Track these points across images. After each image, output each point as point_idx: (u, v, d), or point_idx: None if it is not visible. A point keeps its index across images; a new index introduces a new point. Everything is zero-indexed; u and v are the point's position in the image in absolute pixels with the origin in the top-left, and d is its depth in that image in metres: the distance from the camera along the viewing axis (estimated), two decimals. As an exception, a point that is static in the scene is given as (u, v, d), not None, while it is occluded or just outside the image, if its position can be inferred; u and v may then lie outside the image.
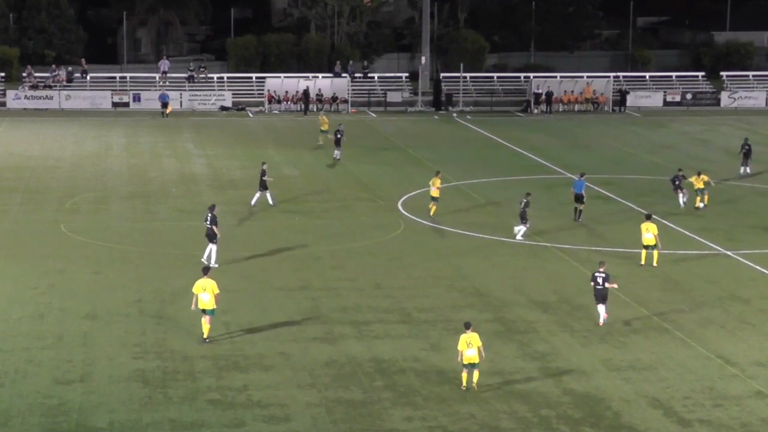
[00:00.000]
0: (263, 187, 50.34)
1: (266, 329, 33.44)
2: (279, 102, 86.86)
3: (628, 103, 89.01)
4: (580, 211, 48.07)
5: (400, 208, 50.73)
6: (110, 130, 74.73)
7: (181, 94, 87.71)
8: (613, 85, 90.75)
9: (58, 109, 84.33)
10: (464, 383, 28.79)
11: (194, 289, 32.21)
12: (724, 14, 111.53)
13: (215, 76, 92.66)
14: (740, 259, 42.58)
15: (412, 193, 53.65)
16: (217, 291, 32.01)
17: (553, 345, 32.45)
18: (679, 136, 76.76)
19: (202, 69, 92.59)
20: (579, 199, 47.90)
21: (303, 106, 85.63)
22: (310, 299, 36.54)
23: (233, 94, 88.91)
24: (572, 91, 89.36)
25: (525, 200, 45.05)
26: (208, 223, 40.38)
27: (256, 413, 27.22)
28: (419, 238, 45.56)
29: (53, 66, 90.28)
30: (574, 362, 31.00)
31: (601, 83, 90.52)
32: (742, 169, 60.19)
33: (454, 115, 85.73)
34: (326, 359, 30.89)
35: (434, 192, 48.67)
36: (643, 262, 41.38)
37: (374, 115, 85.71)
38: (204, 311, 32.02)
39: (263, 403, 27.79)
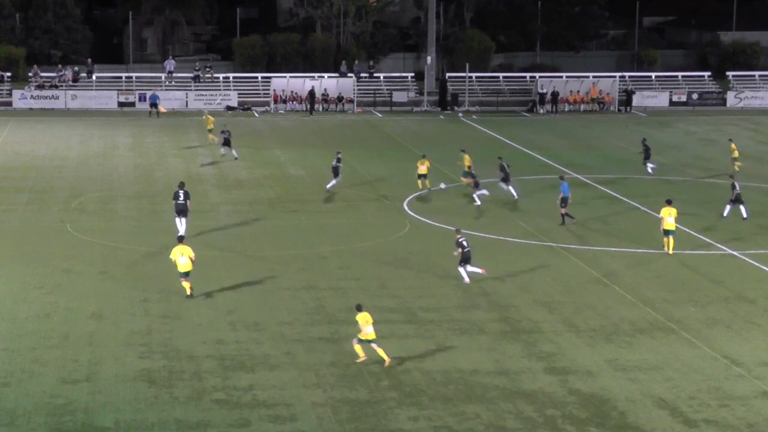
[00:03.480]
0: (336, 173, 53.55)
1: (272, 329, 33.46)
2: (285, 102, 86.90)
3: (634, 103, 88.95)
4: (564, 214, 47.45)
5: (406, 207, 50.73)
6: (116, 129, 74.80)
7: (187, 94, 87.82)
8: (619, 85, 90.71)
9: (64, 109, 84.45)
10: (362, 357, 30.32)
11: (172, 256, 36.24)
12: (731, 14, 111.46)
13: (221, 76, 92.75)
14: (746, 259, 42.53)
15: (417, 193, 53.63)
16: (193, 255, 35.99)
17: (558, 345, 32.43)
18: (684, 136, 76.69)
19: (208, 69, 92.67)
20: (565, 202, 47.51)
21: (308, 106, 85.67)
22: (316, 299, 36.55)
23: (239, 93, 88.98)
24: (578, 91, 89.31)
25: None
26: (181, 199, 43.34)
27: (262, 413, 27.22)
28: (425, 237, 45.55)
29: (59, 66, 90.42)
30: (580, 362, 30.98)
31: (607, 83, 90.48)
32: (649, 168, 59.86)
33: (460, 114, 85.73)
34: (332, 359, 30.90)
35: (422, 170, 53.21)
36: (669, 251, 42.36)
37: (380, 115, 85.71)
38: (184, 274, 35.98)
39: (269, 403, 27.80)
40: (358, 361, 30.53)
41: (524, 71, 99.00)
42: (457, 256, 38.54)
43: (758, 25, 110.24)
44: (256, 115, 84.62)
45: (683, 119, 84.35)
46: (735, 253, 43.38)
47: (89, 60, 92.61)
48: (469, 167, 54.11)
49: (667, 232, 42.82)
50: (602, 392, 28.81)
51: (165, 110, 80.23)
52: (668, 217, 42.64)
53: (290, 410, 27.39)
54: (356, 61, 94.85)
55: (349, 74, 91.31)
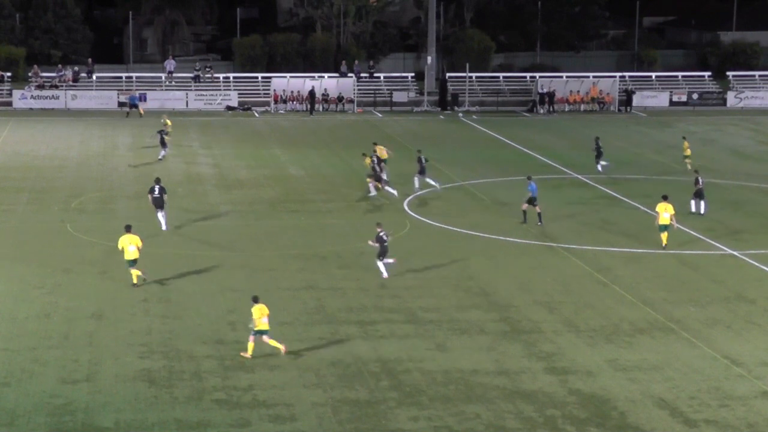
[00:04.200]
0: (421, 172, 53.95)
1: (273, 329, 33.33)
2: (285, 102, 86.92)
3: (635, 103, 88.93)
4: (540, 213, 47.58)
5: (406, 207, 50.71)
6: (116, 130, 74.77)
7: (187, 94, 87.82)
8: (620, 85, 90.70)
9: (64, 109, 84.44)
10: (249, 353, 30.69)
11: (120, 244, 37.38)
12: (731, 14, 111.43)
13: (221, 76, 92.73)
14: (746, 259, 42.53)
15: (418, 193, 53.62)
16: (140, 244, 37.40)
17: (558, 345, 32.43)
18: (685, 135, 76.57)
19: (208, 69, 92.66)
20: (533, 201, 47.57)
21: (309, 106, 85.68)
22: (316, 299, 36.55)
23: (239, 93, 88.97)
24: (578, 91, 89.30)
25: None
26: (156, 193, 45.08)
27: (262, 413, 27.22)
28: (425, 238, 45.55)
29: (59, 66, 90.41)
30: (580, 362, 30.98)
31: (607, 83, 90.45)
32: (599, 167, 60.05)
33: (460, 115, 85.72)
34: (332, 359, 30.89)
35: (384, 155, 55.07)
36: (665, 244, 42.95)
37: (380, 115, 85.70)
38: (131, 262, 37.17)
39: (269, 403, 27.80)
40: (243, 354, 30.79)
41: (524, 71, 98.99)
42: (375, 248, 39.03)
43: (758, 25, 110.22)
44: (257, 115, 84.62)
45: (683, 119, 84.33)
46: (735, 253, 43.37)
47: (89, 60, 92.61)
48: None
49: (662, 228, 43.27)
50: (602, 392, 28.81)
51: (143, 112, 79.61)
52: (664, 212, 43.20)
53: (290, 410, 27.39)
54: (356, 61, 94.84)
55: (350, 74, 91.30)
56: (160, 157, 62.24)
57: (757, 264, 41.76)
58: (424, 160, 54.33)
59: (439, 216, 48.81)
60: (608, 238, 45.65)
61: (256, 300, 31.33)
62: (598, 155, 60.34)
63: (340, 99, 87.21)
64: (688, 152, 60.96)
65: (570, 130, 78.02)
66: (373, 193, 52.39)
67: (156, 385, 28.86)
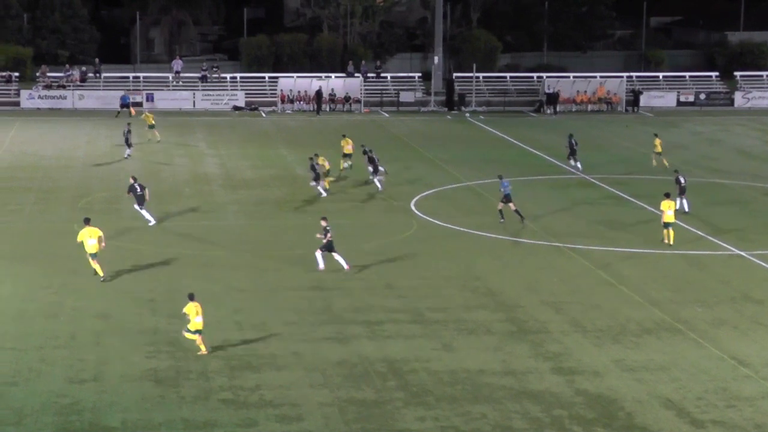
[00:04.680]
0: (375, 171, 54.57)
1: (279, 329, 33.46)
2: (292, 102, 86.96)
3: (642, 103, 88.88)
4: (516, 210, 47.56)
5: (413, 208, 50.69)
6: (122, 129, 74.74)
7: (194, 94, 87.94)
8: (627, 85, 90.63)
9: (71, 108, 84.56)
10: (204, 350, 30.88)
11: (80, 237, 38.02)
12: (738, 14, 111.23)
13: (228, 75, 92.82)
14: (753, 259, 42.46)
15: (424, 194, 53.63)
16: (101, 234, 38.04)
17: (565, 345, 32.41)
18: (691, 136, 76.63)
19: (215, 69, 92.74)
20: (509, 198, 47.60)
21: (316, 106, 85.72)
22: (323, 299, 36.55)
23: (246, 93, 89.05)
24: (585, 91, 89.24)
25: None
26: (139, 191, 46.06)
27: (269, 413, 27.23)
28: (431, 238, 45.54)
29: (67, 66, 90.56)
30: (587, 362, 30.95)
31: (615, 83, 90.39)
32: (578, 165, 60.27)
33: (467, 115, 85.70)
34: (338, 359, 30.90)
35: (348, 150, 57.59)
36: (670, 242, 43.34)
37: (387, 115, 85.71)
38: (93, 254, 37.81)
39: (276, 403, 27.80)
40: (200, 353, 30.88)
41: (531, 71, 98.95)
42: (319, 239, 39.57)
43: (766, 26, 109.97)
44: (263, 115, 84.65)
45: (690, 119, 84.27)
46: (742, 253, 43.31)
47: (96, 60, 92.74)
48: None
49: (666, 225, 43.65)
50: (609, 393, 28.79)
51: (135, 112, 79.41)
52: (668, 209, 43.57)
53: (297, 410, 27.40)
54: (363, 61, 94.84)
55: (356, 74, 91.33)
56: (126, 155, 62.31)
57: (764, 264, 41.69)
58: (375, 159, 55.18)
59: (445, 216, 48.80)
60: (615, 238, 45.60)
61: (191, 298, 31.50)
62: (572, 152, 60.41)
63: (347, 99, 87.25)
64: (659, 149, 61.07)
65: (577, 130, 77.73)
66: (323, 193, 52.78)
67: (163, 384, 28.88)
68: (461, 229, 46.74)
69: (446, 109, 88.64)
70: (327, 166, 54.17)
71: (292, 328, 33.56)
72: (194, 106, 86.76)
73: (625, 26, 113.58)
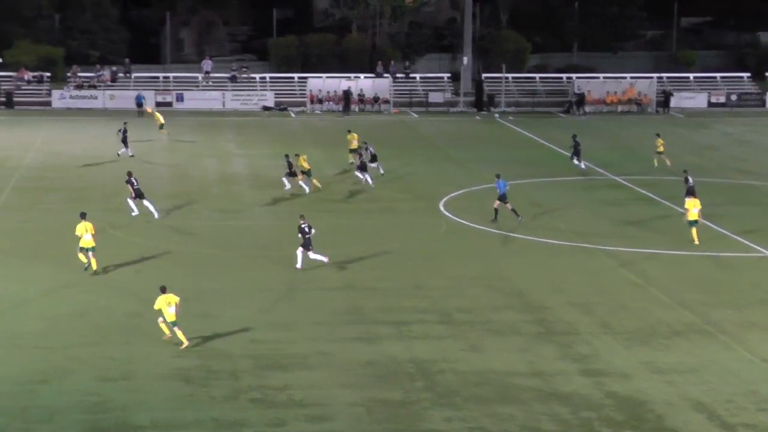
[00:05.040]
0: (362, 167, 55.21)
1: (307, 329, 33.52)
2: (321, 102, 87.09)
3: (672, 104, 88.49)
4: (513, 209, 47.60)
5: (442, 208, 50.67)
6: (153, 129, 75.02)
7: (223, 94, 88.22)
8: (657, 86, 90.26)
9: (102, 108, 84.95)
10: (167, 336, 31.59)
11: (77, 232, 38.73)
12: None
13: (257, 76, 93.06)
14: (784, 261, 42.24)
15: (453, 194, 53.60)
16: (93, 231, 38.80)
17: (594, 347, 32.31)
18: (722, 137, 76.25)
19: (244, 69, 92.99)
20: (505, 198, 47.57)
21: (344, 107, 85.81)
22: (351, 299, 36.58)
23: (275, 94, 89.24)
24: (615, 92, 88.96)
25: None
26: (136, 185, 47.49)
27: (297, 412, 27.28)
28: (460, 238, 45.51)
29: (97, 66, 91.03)
30: (616, 364, 30.85)
31: (645, 84, 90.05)
32: (582, 165, 60.07)
33: (496, 115, 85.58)
34: (367, 359, 30.92)
35: (354, 145, 59.12)
36: (696, 241, 43.46)
37: (416, 115, 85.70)
38: (88, 249, 38.60)
39: (304, 403, 27.85)
40: (164, 338, 31.60)
41: (560, 72, 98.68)
42: (299, 239, 39.70)
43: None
44: (292, 115, 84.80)
45: (721, 120, 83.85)
46: (773, 255, 43.10)
47: (126, 60, 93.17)
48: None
49: (692, 223, 43.86)
50: (638, 395, 28.67)
51: (151, 110, 79.61)
52: (693, 208, 43.83)
53: (325, 410, 27.43)
54: (392, 62, 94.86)
55: (385, 75, 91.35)
56: (121, 153, 62.28)
57: (795, 266, 41.47)
58: (369, 153, 56.71)
59: (474, 217, 48.74)
60: (644, 239, 45.43)
61: (163, 290, 31.80)
62: (576, 153, 60.18)
63: (375, 99, 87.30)
64: (662, 149, 60.85)
65: (606, 131, 77.69)
66: (288, 186, 53.82)
67: (192, 383, 28.97)
68: (489, 229, 46.68)
69: (475, 109, 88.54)
70: (307, 166, 54.47)
71: (320, 328, 33.62)
72: (224, 106, 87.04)
73: (655, 27, 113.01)
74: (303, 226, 39.59)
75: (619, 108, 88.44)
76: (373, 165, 57.04)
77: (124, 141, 62.97)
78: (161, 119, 70.87)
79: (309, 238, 39.56)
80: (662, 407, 27.91)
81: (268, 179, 57.68)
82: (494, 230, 46.46)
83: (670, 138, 73.73)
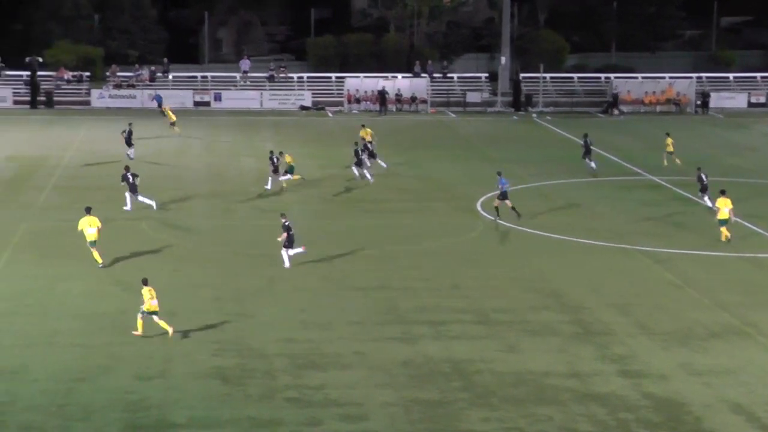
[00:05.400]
0: (359, 164, 56.17)
1: (344, 328, 33.56)
2: (358, 102, 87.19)
3: (712, 104, 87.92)
4: (513, 207, 47.67)
5: (479, 208, 50.58)
6: (191, 129, 75.42)
7: (261, 94, 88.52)
8: (696, 86, 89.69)
9: (140, 108, 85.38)
10: (140, 330, 32.27)
11: (80, 226, 39.43)
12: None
13: (295, 75, 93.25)
14: (825, 263, 41.87)
15: (490, 194, 53.43)
16: (99, 225, 39.47)
17: (631, 348, 32.15)
18: (761, 137, 75.68)
19: (282, 69, 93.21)
20: (506, 196, 47.56)
21: (380, 106, 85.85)
22: (387, 299, 36.58)
23: (313, 93, 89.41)
24: (654, 92, 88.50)
25: None
26: (131, 180, 48.50)
27: (333, 412, 27.31)
28: (497, 238, 45.43)
29: (136, 65, 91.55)
30: (654, 365, 30.68)
31: (684, 84, 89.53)
32: (593, 165, 59.57)
33: (534, 115, 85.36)
34: (403, 359, 30.91)
35: (368, 139, 60.50)
36: (728, 238, 43.43)
37: (453, 115, 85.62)
38: (92, 243, 39.25)
39: (340, 402, 27.88)
40: (135, 333, 32.09)
41: (598, 72, 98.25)
42: (281, 240, 39.89)
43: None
44: (330, 114, 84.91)
45: (761, 120, 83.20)
46: (813, 256, 42.73)
47: (165, 60, 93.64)
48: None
49: (722, 222, 43.86)
50: (676, 396, 28.51)
51: (165, 108, 79.31)
52: (724, 207, 43.78)
53: (361, 409, 27.45)
54: (429, 62, 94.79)
55: (423, 74, 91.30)
56: (130, 154, 61.87)
57: (835, 268, 41.09)
58: (360, 152, 57.28)
59: (511, 217, 48.59)
60: (682, 240, 45.17)
61: (145, 283, 32.59)
62: (587, 152, 59.84)
63: (413, 99, 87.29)
64: (671, 148, 60.48)
65: (644, 131, 77.28)
66: (269, 186, 54.39)
67: (229, 382, 29.07)
68: (527, 229, 46.56)
69: (513, 109, 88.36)
70: (291, 163, 55.07)
71: (357, 327, 33.64)
72: (261, 105, 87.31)
73: (694, 26, 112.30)
74: (286, 224, 39.97)
75: (658, 108, 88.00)
76: (378, 161, 57.95)
77: (128, 141, 62.60)
78: (173, 117, 71.39)
79: (292, 235, 39.91)
80: (700, 409, 27.74)
81: (306, 178, 57.75)
82: (531, 230, 46.34)
83: (710, 139, 73.46)
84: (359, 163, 56.53)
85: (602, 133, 75.47)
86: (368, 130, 62.64)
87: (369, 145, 59.59)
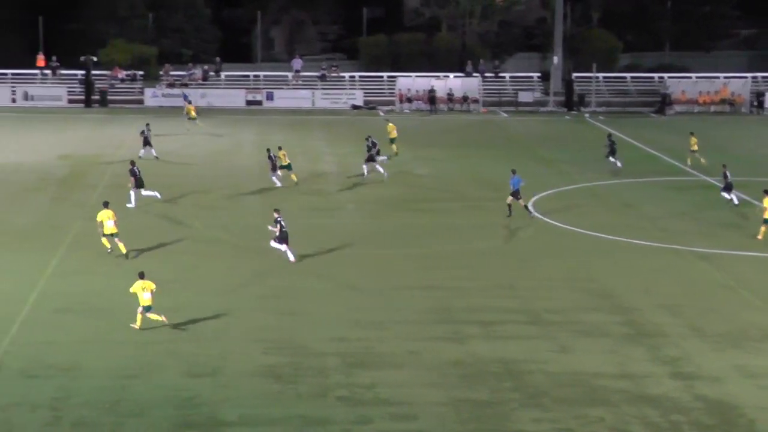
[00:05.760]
0: (370, 159, 57.10)
1: (395, 327, 33.61)
2: (410, 101, 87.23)
3: (767, 104, 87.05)
4: (526, 206, 48.00)
5: (531, 208, 50.42)
6: (243, 127, 75.89)
7: (313, 93, 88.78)
8: (751, 85, 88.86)
9: (194, 106, 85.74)
10: (138, 324, 32.66)
11: (99, 218, 40.72)
12: None
13: (347, 75, 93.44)
14: None
15: (542, 194, 53.32)
16: (115, 218, 40.69)
17: (683, 349, 31.94)
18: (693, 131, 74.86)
19: (334, 68, 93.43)
20: (518, 194, 47.54)
21: (431, 106, 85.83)
22: (438, 299, 36.59)
23: (365, 93, 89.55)
24: (708, 92, 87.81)
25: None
26: (138, 174, 49.52)
27: (384, 411, 27.36)
28: (549, 238, 45.28)
29: (189, 65, 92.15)
30: (706, 367, 30.47)
31: (738, 84, 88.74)
32: (618, 163, 59.52)
33: (586, 115, 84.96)
34: (454, 359, 30.91)
35: (393, 134, 63.26)
36: (760, 237, 43.66)
37: (505, 115, 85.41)
38: (112, 235, 40.62)
39: (391, 401, 27.92)
40: (132, 326, 32.68)
41: (652, 71, 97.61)
42: (273, 233, 40.43)
43: None
44: (381, 114, 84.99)
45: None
46: None
47: (218, 59, 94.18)
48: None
49: (766, 221, 43.83)
50: (729, 399, 28.29)
51: (188, 105, 79.20)
52: None
53: (412, 409, 27.48)
54: (481, 61, 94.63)
55: (475, 74, 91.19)
56: (142, 155, 61.51)
57: None
58: (374, 147, 57.74)
59: (563, 217, 48.47)
60: (735, 241, 44.79)
61: (141, 276, 33.07)
62: (612, 152, 59.70)
63: (465, 99, 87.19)
64: (695, 147, 60.48)
65: (698, 131, 76.44)
66: (278, 183, 54.74)
67: (280, 380, 29.20)
68: (578, 230, 46.38)
69: (565, 109, 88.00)
70: (286, 161, 55.25)
71: (408, 326, 33.68)
72: (313, 104, 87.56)
73: (749, 26, 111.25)
74: (279, 220, 40.35)
75: (712, 108, 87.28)
76: (381, 158, 58.54)
77: (146, 141, 62.66)
78: (193, 113, 72.84)
79: (285, 231, 40.29)
80: (754, 412, 27.51)
81: (358, 178, 57.88)
82: (584, 231, 46.15)
83: (764, 139, 72.75)
84: (371, 159, 56.98)
85: (654, 133, 75.04)
86: (393, 125, 64.06)
87: (394, 141, 61.59)
